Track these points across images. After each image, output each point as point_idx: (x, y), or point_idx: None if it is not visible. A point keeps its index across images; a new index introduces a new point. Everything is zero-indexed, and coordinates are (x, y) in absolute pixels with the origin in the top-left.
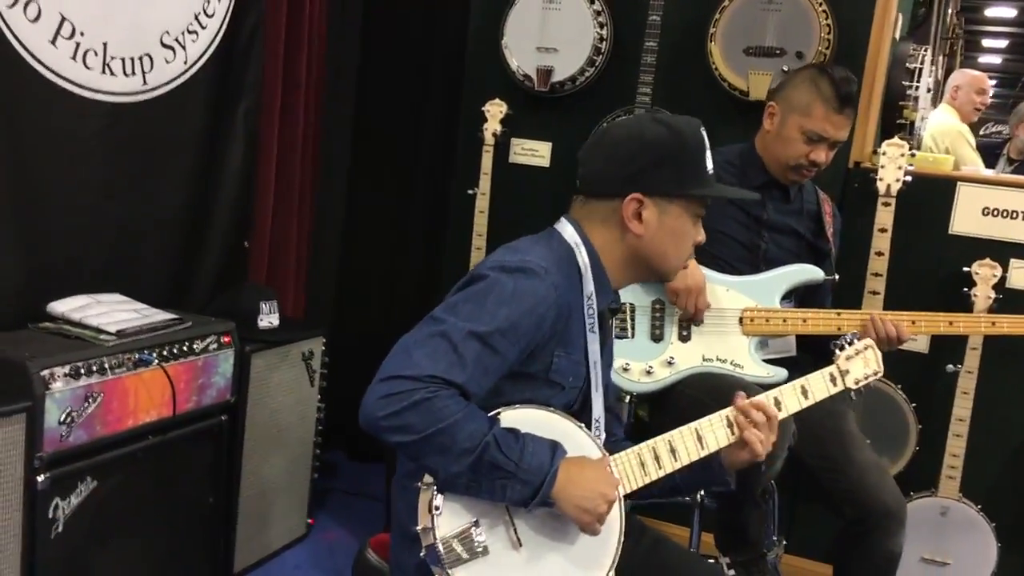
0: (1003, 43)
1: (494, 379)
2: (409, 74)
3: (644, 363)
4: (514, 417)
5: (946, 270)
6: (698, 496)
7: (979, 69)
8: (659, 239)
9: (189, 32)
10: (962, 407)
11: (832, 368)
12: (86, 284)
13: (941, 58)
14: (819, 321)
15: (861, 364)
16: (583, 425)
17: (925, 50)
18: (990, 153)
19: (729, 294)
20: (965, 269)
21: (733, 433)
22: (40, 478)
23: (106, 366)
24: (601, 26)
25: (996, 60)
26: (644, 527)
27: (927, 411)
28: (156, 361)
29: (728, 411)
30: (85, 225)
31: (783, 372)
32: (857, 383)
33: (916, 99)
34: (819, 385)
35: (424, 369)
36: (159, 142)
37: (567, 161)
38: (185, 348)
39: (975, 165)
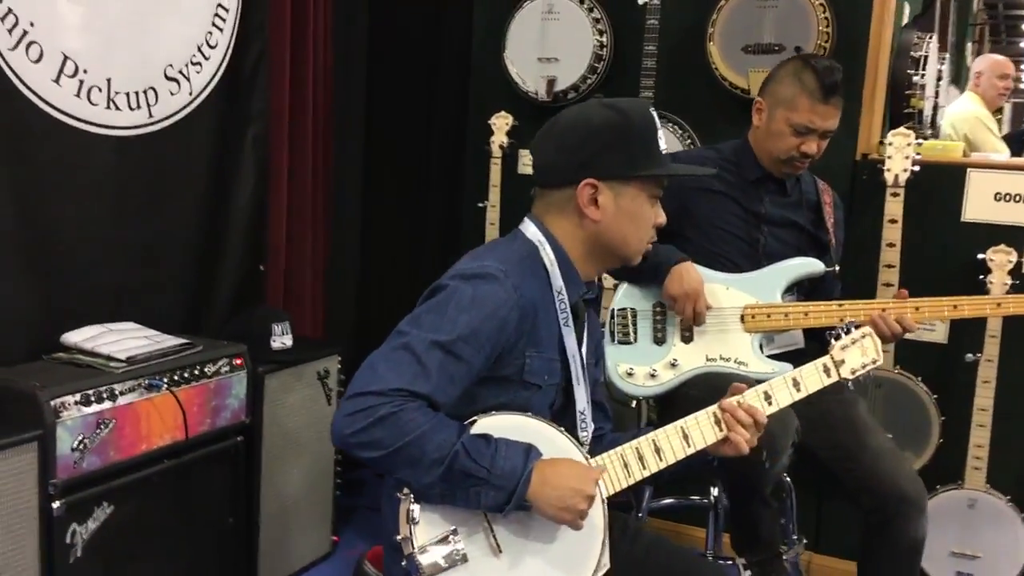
0: None
1: (462, 387)
2: (417, 91)
3: (648, 367)
4: (489, 424)
5: (960, 258)
6: (712, 497)
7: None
8: (617, 223)
9: (193, 64)
10: (984, 396)
11: (826, 359)
12: (101, 314)
13: (971, 44)
14: (821, 314)
15: (858, 353)
16: (562, 429)
17: (930, 37)
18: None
19: (729, 292)
20: (980, 256)
21: (720, 430)
22: (55, 504)
23: (116, 392)
24: (601, 33)
25: None
26: (640, 529)
27: (949, 402)
28: (166, 386)
29: (715, 409)
30: (98, 256)
31: (788, 367)
32: (854, 373)
33: (923, 87)
34: (812, 377)
35: (389, 383)
36: (168, 172)
37: None
38: (196, 372)
39: (995, 151)
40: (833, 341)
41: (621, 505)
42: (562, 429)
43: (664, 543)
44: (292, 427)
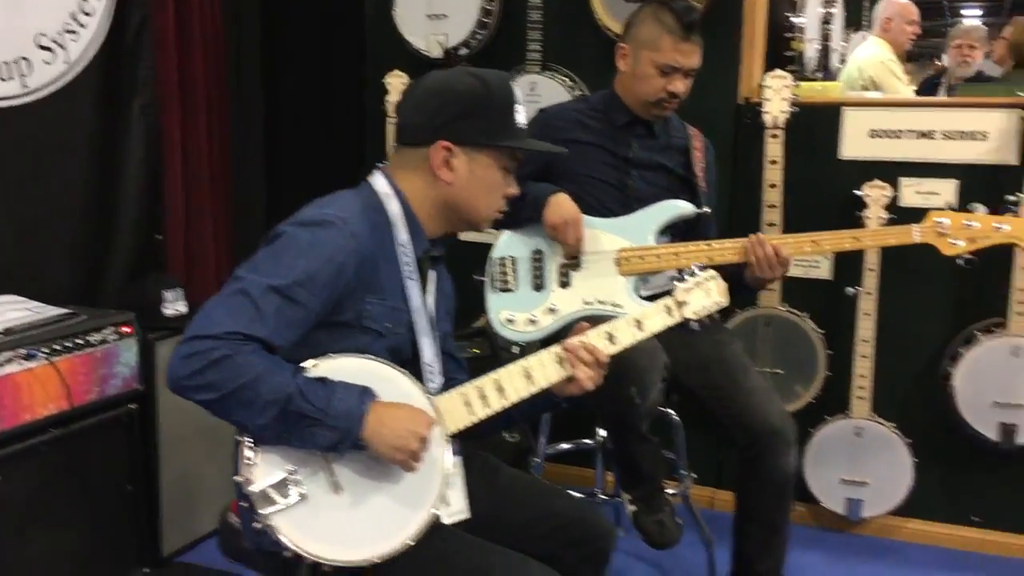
0: None
1: (299, 331)
2: (314, 52)
3: (528, 313)
4: (330, 367)
5: (839, 195)
6: (598, 439)
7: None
8: (469, 188)
9: (68, 32)
10: (865, 328)
11: (668, 300)
12: None
13: None
14: (691, 255)
15: (702, 295)
16: (406, 371)
17: None
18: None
19: (604, 237)
20: (856, 193)
21: (564, 370)
22: None
23: None
24: None
25: None
26: (499, 465)
27: (835, 336)
28: (44, 356)
29: (558, 348)
30: None
31: (678, 319)
32: (696, 314)
33: (802, 30)
34: (655, 317)
35: (224, 326)
36: (50, 144)
37: None
38: (80, 341)
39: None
40: (677, 284)
41: (520, 450)
42: (405, 372)
43: (522, 477)
44: None
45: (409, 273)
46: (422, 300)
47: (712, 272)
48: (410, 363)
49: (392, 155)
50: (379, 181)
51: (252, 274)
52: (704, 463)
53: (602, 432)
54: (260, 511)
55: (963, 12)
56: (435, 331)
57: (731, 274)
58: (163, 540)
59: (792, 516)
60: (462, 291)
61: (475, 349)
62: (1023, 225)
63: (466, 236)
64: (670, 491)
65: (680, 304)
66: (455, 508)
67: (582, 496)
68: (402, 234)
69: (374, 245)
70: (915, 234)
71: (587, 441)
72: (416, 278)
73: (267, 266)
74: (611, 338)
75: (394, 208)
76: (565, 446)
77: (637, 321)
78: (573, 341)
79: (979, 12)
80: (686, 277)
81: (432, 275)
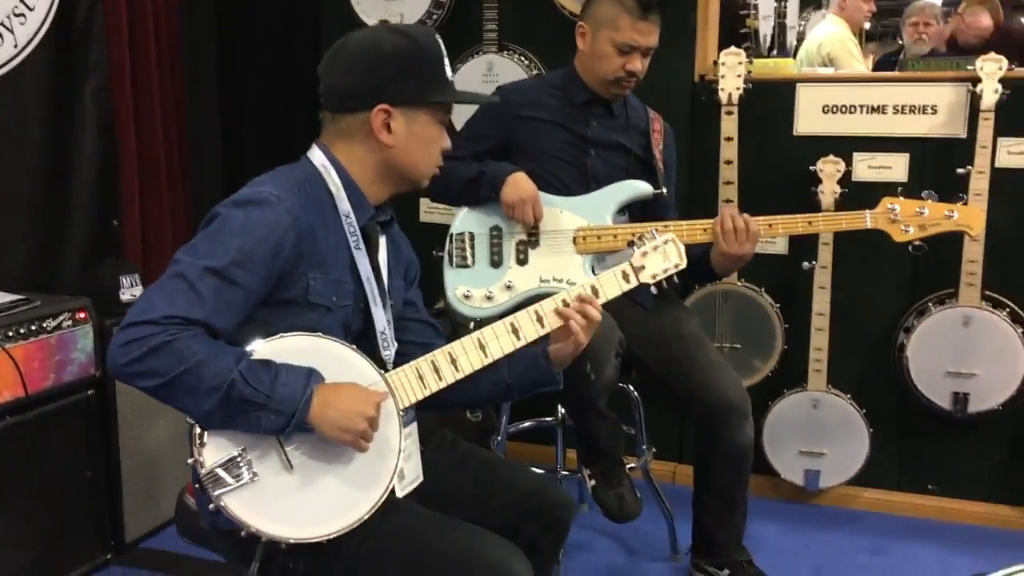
0: None
1: (240, 311)
2: (270, 34)
3: (484, 289)
4: (276, 348)
5: (794, 171)
6: (559, 415)
7: None
8: (409, 148)
9: (15, 15)
10: (821, 302)
11: (625, 265)
12: None
13: None
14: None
15: (659, 259)
16: (355, 347)
17: None
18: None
19: (562, 215)
20: (811, 168)
21: (519, 339)
22: None
23: None
24: None
25: None
26: (456, 441)
27: (791, 310)
28: None
29: (511, 318)
30: None
31: (635, 284)
32: (654, 277)
33: (756, 7)
34: (611, 284)
35: (161, 311)
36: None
37: None
38: (34, 328)
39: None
40: (635, 249)
41: (483, 430)
42: (354, 347)
43: (478, 452)
44: None
45: (356, 244)
46: (372, 270)
47: (670, 235)
48: (363, 334)
49: (326, 124)
50: (316, 155)
51: (188, 257)
52: (666, 438)
53: (562, 409)
54: (212, 491)
55: None
56: (387, 299)
57: (697, 258)
58: (125, 526)
59: (751, 488)
60: (423, 271)
61: None
62: (972, 213)
63: (427, 217)
64: (630, 466)
65: (637, 269)
66: (408, 478)
67: (540, 470)
68: (344, 204)
69: (313, 219)
70: (868, 220)
71: (548, 419)
72: (363, 247)
73: (203, 248)
74: (566, 305)
75: (334, 179)
76: (526, 424)
77: (593, 288)
78: (550, 303)
79: None
80: (645, 241)
81: (383, 241)
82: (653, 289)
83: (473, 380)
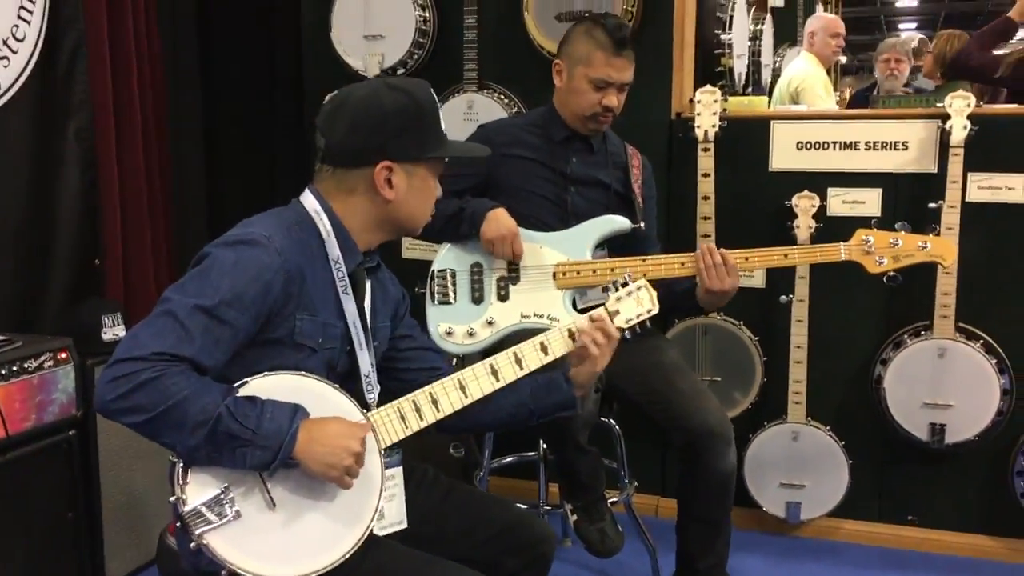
0: None
1: (228, 350)
2: (254, 75)
3: (466, 325)
4: (261, 385)
5: (770, 206)
6: (541, 450)
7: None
8: (409, 201)
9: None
10: (799, 335)
11: (600, 310)
12: None
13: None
14: (627, 269)
15: (633, 304)
16: (338, 386)
17: None
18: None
19: (541, 250)
20: (786, 203)
21: (497, 380)
22: None
23: None
24: (422, 8)
25: (912, 2)
26: (438, 477)
27: (770, 343)
28: None
29: (492, 360)
30: None
31: None
32: (628, 322)
33: (730, 46)
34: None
35: (150, 348)
36: None
37: None
38: (15, 368)
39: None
40: (609, 294)
41: (466, 465)
42: (337, 386)
43: (460, 488)
44: None
45: (344, 288)
46: (359, 315)
47: (642, 281)
48: (348, 375)
49: (323, 175)
50: (309, 199)
51: (178, 295)
52: (649, 472)
53: (544, 444)
54: (194, 530)
55: (900, 27)
56: (372, 343)
57: (683, 293)
58: (106, 568)
59: (733, 520)
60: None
61: None
62: (944, 244)
63: (409, 253)
64: (612, 500)
65: (612, 314)
66: (390, 520)
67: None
68: (335, 250)
69: (302, 262)
70: (842, 252)
71: (530, 454)
72: (351, 292)
73: (193, 287)
74: (544, 349)
75: (325, 225)
76: (509, 459)
77: (570, 332)
78: (582, 324)
79: (915, 26)
80: (618, 287)
81: (369, 285)
82: (628, 334)
83: (495, 404)
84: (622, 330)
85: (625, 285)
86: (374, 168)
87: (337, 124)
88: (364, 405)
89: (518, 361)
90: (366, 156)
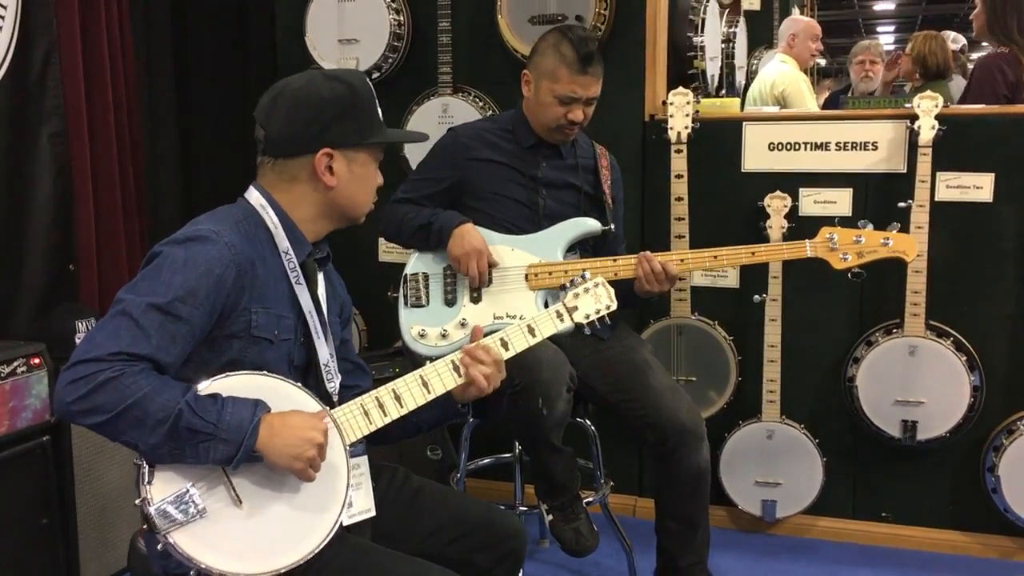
0: None
1: (186, 346)
2: (228, 80)
3: (439, 327)
4: (221, 385)
5: (743, 207)
6: (517, 451)
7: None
8: (351, 188)
9: None
10: (772, 334)
11: (559, 305)
12: None
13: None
14: (598, 270)
15: (591, 300)
16: (298, 384)
17: (708, 2)
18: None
19: (514, 253)
20: (759, 204)
21: (459, 376)
22: None
23: None
24: (397, 12)
25: (890, 6)
26: (408, 475)
27: (744, 342)
28: None
29: (454, 356)
30: None
31: (569, 324)
32: (587, 318)
33: (703, 49)
34: (546, 323)
35: (107, 348)
36: None
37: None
38: None
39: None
40: (567, 290)
41: (441, 466)
42: (298, 384)
43: (430, 486)
44: None
45: (296, 279)
46: (313, 305)
47: (599, 279)
48: (307, 367)
49: (264, 168)
50: (253, 195)
51: (131, 295)
52: (626, 472)
53: (519, 445)
54: (160, 529)
55: (878, 29)
56: (329, 332)
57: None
58: (81, 572)
59: (710, 519)
60: (380, 311)
61: (396, 368)
62: (906, 240)
63: (385, 256)
64: (587, 499)
65: (571, 310)
66: (358, 508)
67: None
68: (283, 242)
69: (252, 255)
70: (808, 249)
71: (506, 455)
72: (304, 283)
73: (145, 286)
74: (505, 344)
75: (272, 218)
76: (485, 461)
77: (529, 327)
78: (469, 345)
79: (892, 29)
80: (576, 282)
81: (320, 277)
82: (588, 329)
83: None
84: (581, 325)
85: (583, 280)
86: (314, 156)
87: (275, 115)
88: (325, 396)
89: (503, 344)
90: (306, 144)
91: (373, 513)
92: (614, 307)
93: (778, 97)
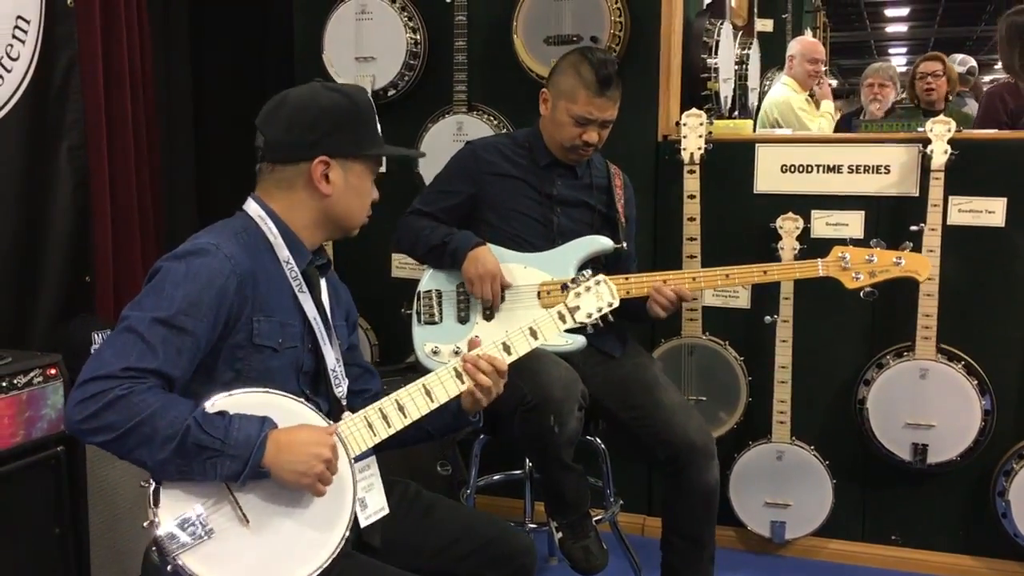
0: (905, 11)
1: (192, 359)
2: (246, 95)
3: (452, 345)
4: (228, 402)
5: (755, 228)
6: (527, 468)
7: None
8: (346, 197)
9: None
10: (783, 355)
11: (560, 307)
12: None
13: (808, 32)
14: None
15: (592, 299)
16: (304, 400)
17: (722, 23)
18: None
19: (527, 270)
20: (771, 225)
21: (462, 383)
22: None
23: None
24: (414, 31)
25: (902, 28)
26: (420, 491)
27: (754, 363)
28: None
29: (456, 363)
30: None
31: (581, 340)
32: (590, 316)
33: (716, 70)
34: (548, 325)
35: (114, 365)
36: None
37: (397, 164)
38: (4, 384)
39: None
40: (568, 290)
41: (452, 482)
42: (303, 400)
43: (441, 502)
44: None
45: (299, 287)
46: (317, 311)
47: (600, 276)
48: (315, 373)
49: (263, 175)
50: (252, 207)
51: (135, 311)
52: (635, 490)
53: (529, 462)
54: (169, 552)
55: (890, 51)
56: (335, 337)
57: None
58: None
59: (718, 539)
60: (392, 327)
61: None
62: (918, 259)
63: (398, 272)
64: (597, 518)
65: (572, 310)
66: (373, 508)
67: (533, 526)
68: (284, 251)
69: (253, 265)
70: (820, 268)
71: (516, 472)
72: (307, 291)
73: (148, 302)
74: (507, 348)
75: (271, 229)
76: (496, 477)
77: (531, 330)
78: (470, 354)
79: (905, 50)
80: (579, 283)
81: (323, 283)
82: (590, 328)
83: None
84: (584, 324)
85: (585, 279)
86: (311, 163)
87: (276, 121)
88: (334, 400)
89: (505, 348)
90: (303, 151)
91: (387, 511)
92: (616, 303)
93: (772, 124)
